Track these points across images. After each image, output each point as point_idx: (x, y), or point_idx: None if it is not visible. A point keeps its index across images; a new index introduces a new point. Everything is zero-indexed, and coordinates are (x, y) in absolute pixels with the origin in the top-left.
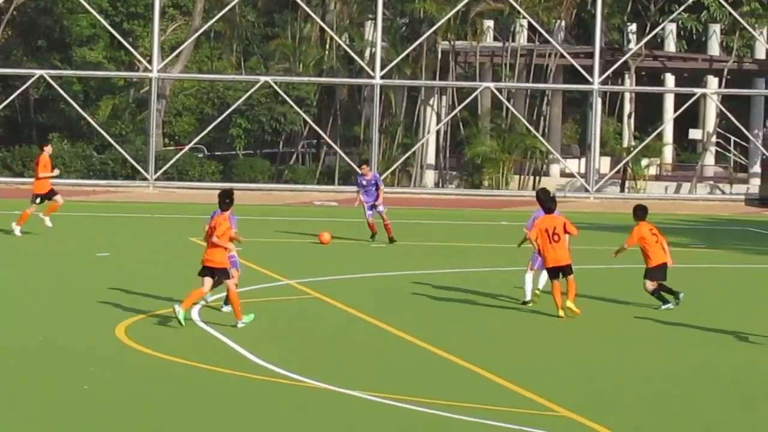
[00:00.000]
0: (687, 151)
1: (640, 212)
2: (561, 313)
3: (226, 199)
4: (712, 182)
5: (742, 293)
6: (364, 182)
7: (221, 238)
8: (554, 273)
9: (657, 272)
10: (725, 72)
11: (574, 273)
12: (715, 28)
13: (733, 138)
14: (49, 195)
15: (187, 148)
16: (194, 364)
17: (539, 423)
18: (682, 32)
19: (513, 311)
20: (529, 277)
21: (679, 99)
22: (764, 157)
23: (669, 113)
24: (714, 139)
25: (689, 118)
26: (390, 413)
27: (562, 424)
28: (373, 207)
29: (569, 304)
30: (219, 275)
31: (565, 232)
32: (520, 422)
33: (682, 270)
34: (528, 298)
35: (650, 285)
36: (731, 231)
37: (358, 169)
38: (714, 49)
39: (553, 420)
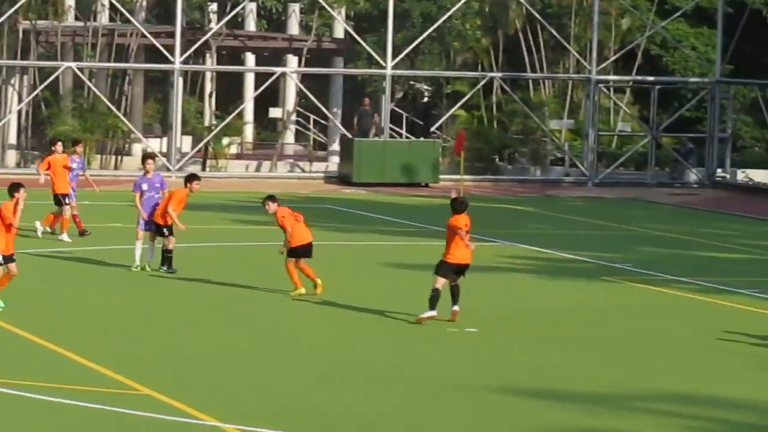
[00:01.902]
0: (267, 129)
1: None
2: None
3: None
4: (292, 160)
5: (330, 270)
6: None
7: None
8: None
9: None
10: (305, 51)
11: None
12: (295, 8)
13: (312, 116)
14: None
15: None
16: None
17: (119, 401)
18: (262, 12)
19: (96, 290)
20: (139, 243)
21: (260, 78)
22: (344, 136)
23: (249, 92)
24: (294, 117)
25: (270, 96)
26: None
27: (143, 401)
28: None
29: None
30: None
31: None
32: (101, 401)
33: (250, 248)
34: (137, 263)
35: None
36: (312, 208)
37: None
38: (294, 28)
39: (133, 398)
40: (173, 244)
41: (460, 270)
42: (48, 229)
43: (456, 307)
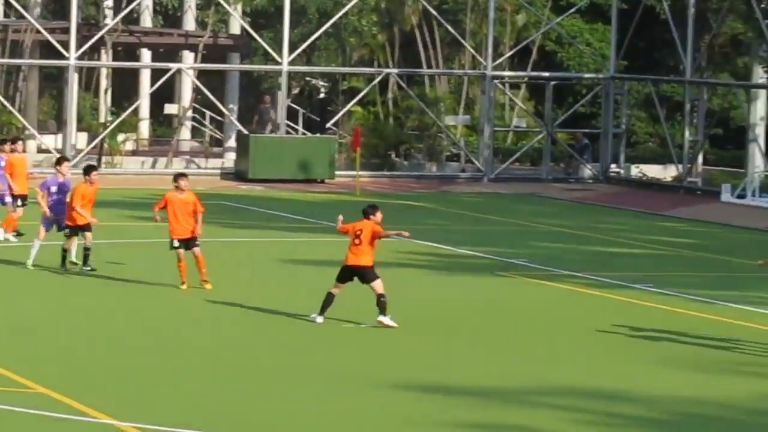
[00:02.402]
0: (163, 126)
1: None
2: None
3: None
4: (188, 157)
5: (227, 267)
6: None
7: None
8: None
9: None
10: (201, 47)
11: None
12: (191, 4)
13: (208, 113)
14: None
15: None
16: None
17: (16, 400)
18: (158, 7)
19: None
20: (37, 242)
21: (156, 74)
22: (240, 132)
23: (145, 88)
24: (190, 114)
25: (166, 93)
26: None
27: (39, 400)
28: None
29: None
30: None
31: None
32: None
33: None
34: (32, 261)
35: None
36: (208, 205)
37: None
38: (190, 24)
39: (29, 397)
40: (90, 241)
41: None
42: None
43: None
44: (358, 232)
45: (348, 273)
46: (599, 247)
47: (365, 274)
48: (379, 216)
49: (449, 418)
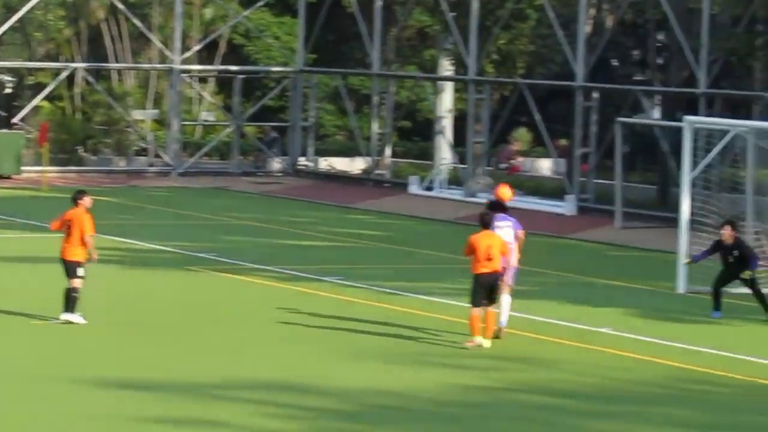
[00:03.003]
0: None
1: None
2: None
3: None
4: None
5: None
6: None
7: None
8: None
9: None
10: None
11: None
12: None
13: None
14: None
15: None
16: None
17: None
18: None
19: None
20: None
21: None
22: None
23: None
24: None
25: None
26: None
27: None
28: None
29: None
30: None
31: None
32: None
33: None
34: None
35: None
36: None
37: None
38: None
39: None
40: None
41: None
42: None
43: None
44: (69, 223)
45: (64, 266)
46: (289, 240)
47: (68, 269)
48: (87, 201)
49: (135, 413)
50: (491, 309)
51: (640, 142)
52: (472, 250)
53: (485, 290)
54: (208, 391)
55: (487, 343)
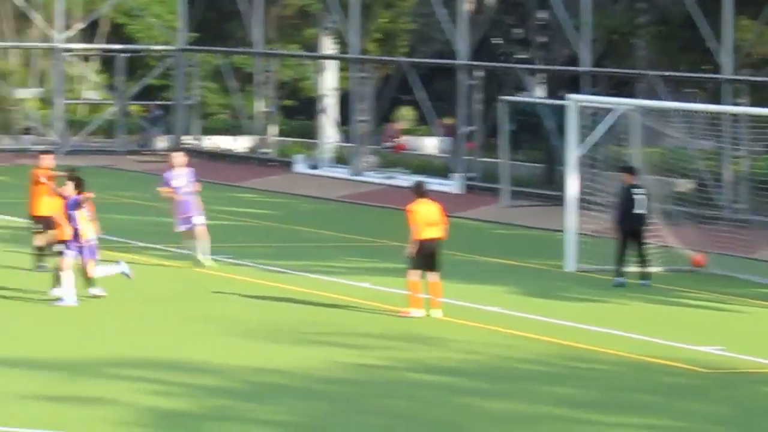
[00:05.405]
0: None
1: None
2: None
3: None
4: None
5: None
6: None
7: None
8: None
9: None
10: None
11: None
12: None
13: None
14: None
15: None
16: None
17: None
18: None
19: None
20: None
21: None
22: None
23: None
24: None
25: None
26: None
27: None
28: None
29: None
30: None
31: None
32: None
33: None
34: None
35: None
36: None
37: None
38: None
39: None
40: None
41: None
42: None
43: None
44: None
45: None
46: (172, 219)
47: None
48: None
49: (17, 390)
50: (436, 278)
51: (525, 121)
52: (414, 218)
53: (426, 257)
54: (93, 368)
55: (437, 313)
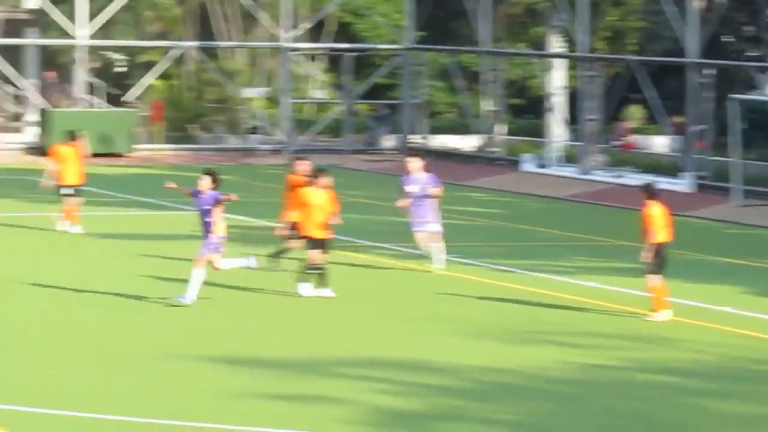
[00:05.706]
0: None
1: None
2: None
3: None
4: None
5: (29, 242)
6: None
7: None
8: None
9: None
10: None
11: None
12: None
13: (5, 88)
14: None
15: None
16: None
17: None
18: None
19: None
20: None
21: None
22: (42, 107)
23: None
24: None
25: None
26: None
27: None
28: None
29: None
30: None
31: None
32: None
33: None
34: None
35: None
36: (13, 180)
37: None
38: None
39: None
40: None
41: None
42: None
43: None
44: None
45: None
46: (401, 218)
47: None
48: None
49: (249, 389)
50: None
51: (757, 119)
52: (651, 221)
53: (662, 259)
54: (320, 367)
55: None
